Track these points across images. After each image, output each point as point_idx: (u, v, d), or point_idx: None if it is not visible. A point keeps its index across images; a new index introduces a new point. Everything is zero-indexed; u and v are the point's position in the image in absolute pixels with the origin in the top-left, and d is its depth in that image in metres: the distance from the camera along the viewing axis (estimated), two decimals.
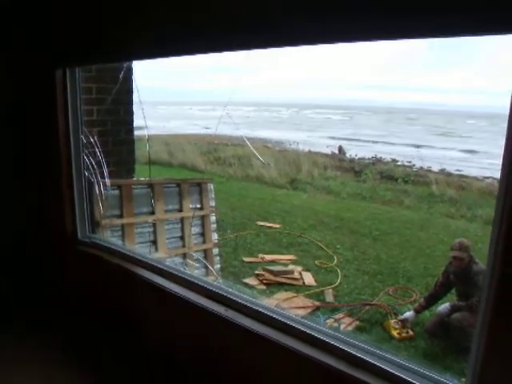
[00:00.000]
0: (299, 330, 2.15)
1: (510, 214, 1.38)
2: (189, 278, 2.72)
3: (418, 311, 4.81)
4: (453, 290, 4.76)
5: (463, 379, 1.67)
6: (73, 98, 3.24)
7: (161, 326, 2.86)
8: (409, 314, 4.81)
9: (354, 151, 18.40)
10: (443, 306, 4.57)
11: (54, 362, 2.96)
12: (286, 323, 2.20)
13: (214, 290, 2.55)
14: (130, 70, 3.86)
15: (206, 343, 2.54)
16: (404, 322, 4.73)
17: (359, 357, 1.91)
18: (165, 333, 2.84)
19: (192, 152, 15.96)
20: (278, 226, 8.61)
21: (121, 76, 3.69)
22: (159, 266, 2.92)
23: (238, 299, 2.43)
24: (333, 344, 2.01)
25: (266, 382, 2.27)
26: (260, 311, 2.32)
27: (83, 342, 3.21)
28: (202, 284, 2.64)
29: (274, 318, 2.25)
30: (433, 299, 4.80)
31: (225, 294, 2.49)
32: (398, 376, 1.79)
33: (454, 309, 4.42)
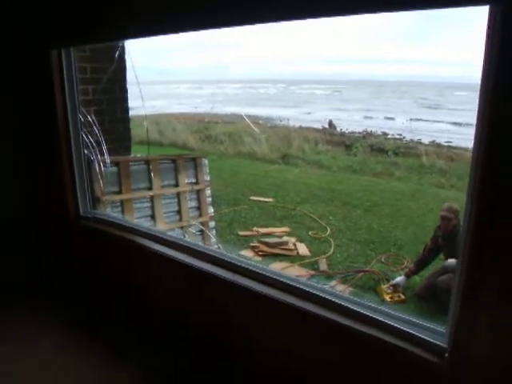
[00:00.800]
0: (298, 288, 2.31)
1: (481, 180, 1.53)
2: (193, 247, 2.86)
3: (408, 276, 4.99)
4: (441, 255, 4.95)
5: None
6: (69, 77, 3.31)
7: (168, 293, 3.00)
8: (400, 278, 4.99)
9: (344, 125, 18.45)
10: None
11: (64, 338, 3.05)
12: (286, 283, 2.37)
13: (219, 256, 2.70)
14: (123, 49, 3.94)
15: (214, 306, 2.68)
16: (395, 287, 4.92)
17: (353, 309, 2.08)
18: (173, 301, 2.98)
19: (182, 131, 15.96)
20: (271, 200, 8.74)
21: (116, 55, 3.77)
22: (161, 235, 3.06)
23: (242, 264, 2.59)
24: (328, 299, 2.18)
25: (270, 336, 2.43)
26: (263, 274, 2.48)
27: (92, 316, 3.29)
28: (209, 252, 2.78)
29: (275, 278, 2.42)
30: (422, 264, 4.98)
31: (230, 260, 2.64)
32: (389, 324, 1.96)
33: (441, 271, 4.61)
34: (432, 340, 1.82)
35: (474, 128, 1.56)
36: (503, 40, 1.39)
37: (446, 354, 1.73)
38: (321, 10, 1.84)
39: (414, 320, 1.93)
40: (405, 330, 1.89)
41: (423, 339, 1.84)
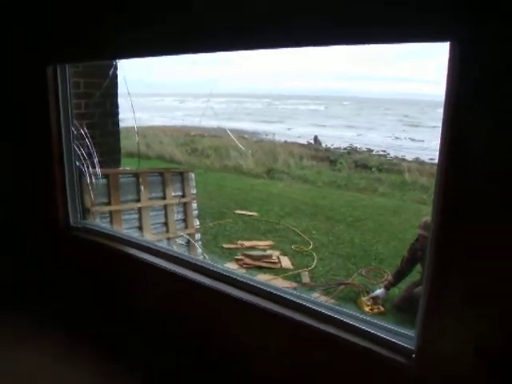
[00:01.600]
0: (281, 296, 2.46)
1: (444, 189, 1.71)
2: (179, 256, 2.99)
3: (387, 288, 5.09)
4: (418, 267, 5.09)
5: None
6: (63, 92, 3.44)
7: (155, 300, 3.11)
8: (380, 291, 5.09)
9: (329, 141, 18.71)
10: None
11: (54, 346, 3.10)
12: (268, 291, 2.52)
13: (200, 264, 2.84)
14: (115, 66, 4.09)
15: (200, 311, 2.82)
16: (375, 299, 5.02)
17: (330, 315, 2.23)
18: (160, 308, 3.08)
19: (169, 144, 16.06)
20: (255, 214, 8.85)
21: (111, 72, 3.92)
22: (150, 245, 3.18)
23: (225, 272, 2.73)
24: (304, 304, 2.34)
25: (251, 341, 2.58)
26: (242, 281, 2.62)
27: (81, 324, 3.36)
28: (194, 261, 2.91)
29: (256, 286, 2.57)
30: (400, 275, 5.09)
31: (212, 268, 2.78)
32: (362, 328, 2.12)
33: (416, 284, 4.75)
34: (401, 343, 1.97)
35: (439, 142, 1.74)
36: (461, 70, 1.58)
37: (413, 355, 1.89)
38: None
39: (386, 325, 2.10)
40: (376, 334, 2.05)
41: (393, 342, 2.00)
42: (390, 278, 5.31)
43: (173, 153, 14.87)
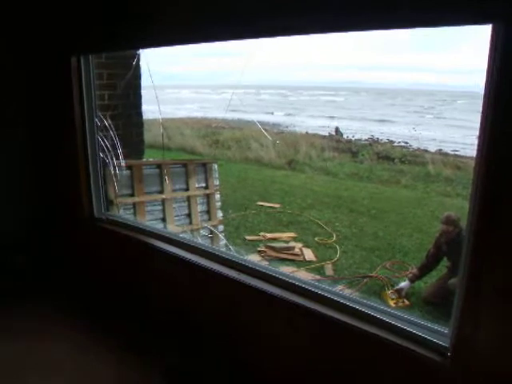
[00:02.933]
0: (305, 288, 2.40)
1: (484, 182, 1.63)
2: (202, 247, 2.95)
3: (412, 280, 5.03)
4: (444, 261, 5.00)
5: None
6: (87, 83, 3.44)
7: (178, 291, 3.10)
8: (404, 283, 5.03)
9: (349, 132, 18.50)
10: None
11: (81, 336, 3.14)
12: (292, 283, 2.46)
13: (226, 257, 2.80)
14: (138, 57, 4.07)
15: (221, 304, 2.79)
16: (399, 292, 4.96)
17: (361, 310, 2.17)
18: (182, 299, 3.08)
19: (190, 136, 16.06)
20: (277, 205, 8.80)
21: (134, 63, 3.89)
22: (173, 237, 3.16)
23: (248, 264, 2.68)
24: (333, 298, 2.28)
25: (274, 336, 2.53)
26: (268, 273, 2.57)
27: (104, 313, 3.41)
28: (216, 252, 2.87)
29: (281, 278, 2.51)
30: (426, 269, 5.01)
31: (237, 260, 2.74)
32: (393, 324, 2.05)
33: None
34: (435, 340, 1.90)
35: (478, 133, 1.65)
36: (505, 56, 1.49)
37: (448, 353, 1.82)
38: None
39: (417, 320, 2.02)
40: (408, 330, 1.98)
41: (425, 338, 1.93)
42: (415, 270, 5.21)
43: (194, 145, 14.86)
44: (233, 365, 2.72)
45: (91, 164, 3.59)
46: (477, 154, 1.68)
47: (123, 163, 4.05)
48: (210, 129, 17.65)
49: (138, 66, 4.10)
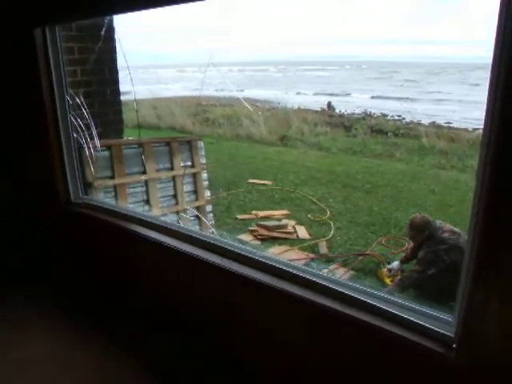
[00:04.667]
0: (293, 273, 2.20)
1: (493, 161, 1.41)
2: (183, 232, 2.75)
3: (403, 262, 4.88)
4: None
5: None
6: (55, 58, 3.17)
7: (157, 278, 2.93)
8: (395, 263, 4.90)
9: (342, 107, 18.28)
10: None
11: (57, 322, 3.05)
12: (280, 268, 2.26)
13: (209, 241, 2.60)
14: (112, 29, 3.79)
15: (203, 291, 2.60)
16: (390, 271, 4.84)
17: (351, 295, 1.97)
18: (161, 285, 2.91)
19: (180, 114, 15.80)
20: (270, 182, 8.64)
21: (102, 33, 3.61)
22: (154, 221, 2.95)
23: (232, 248, 2.48)
24: (325, 285, 2.08)
25: (261, 323, 2.35)
26: (254, 258, 2.36)
27: (82, 300, 3.29)
28: (197, 236, 2.67)
29: (269, 264, 2.31)
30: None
31: (219, 244, 2.53)
32: (392, 312, 1.85)
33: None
34: (438, 329, 1.71)
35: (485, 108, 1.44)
36: None
37: (454, 345, 1.62)
38: None
39: (419, 308, 1.82)
40: (409, 319, 1.78)
41: (427, 327, 1.73)
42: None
43: (184, 123, 14.61)
44: (218, 353, 2.58)
45: (65, 145, 3.35)
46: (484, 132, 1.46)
47: (99, 143, 3.80)
48: (200, 107, 17.38)
49: (111, 39, 3.82)
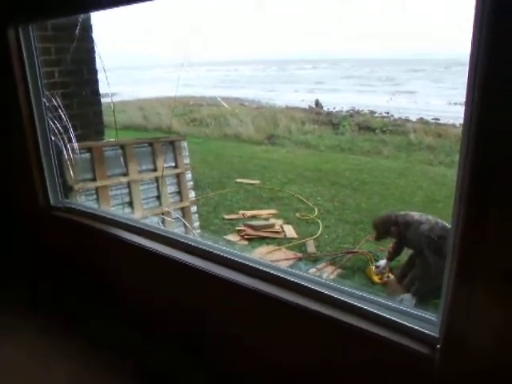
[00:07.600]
0: (278, 276, 2.14)
1: (473, 159, 1.36)
2: (165, 234, 2.69)
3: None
4: None
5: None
6: (30, 59, 3.06)
7: (140, 282, 2.85)
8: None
9: (329, 104, 18.27)
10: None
11: (37, 327, 2.97)
12: (264, 271, 2.20)
13: (191, 243, 2.53)
14: (89, 28, 3.71)
15: (185, 297, 2.54)
16: (378, 268, 4.83)
17: (338, 298, 1.92)
18: (144, 290, 2.83)
19: (166, 115, 15.72)
20: (257, 182, 8.60)
21: (77, 31, 3.52)
22: (135, 224, 2.88)
23: (215, 251, 2.42)
24: (300, 283, 2.04)
25: (246, 329, 2.29)
26: (238, 261, 2.31)
27: (63, 306, 3.20)
28: (179, 239, 2.61)
29: (253, 266, 2.25)
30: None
31: (202, 247, 2.47)
32: (375, 313, 1.80)
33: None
34: (421, 329, 1.66)
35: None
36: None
37: (438, 345, 1.57)
38: None
39: (402, 308, 1.78)
40: (392, 320, 1.73)
41: (409, 327, 1.68)
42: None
43: (170, 123, 14.52)
44: (195, 354, 2.55)
45: (42, 148, 3.26)
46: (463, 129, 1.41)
47: (77, 146, 3.71)
48: (187, 107, 17.30)
49: (89, 38, 3.74)
